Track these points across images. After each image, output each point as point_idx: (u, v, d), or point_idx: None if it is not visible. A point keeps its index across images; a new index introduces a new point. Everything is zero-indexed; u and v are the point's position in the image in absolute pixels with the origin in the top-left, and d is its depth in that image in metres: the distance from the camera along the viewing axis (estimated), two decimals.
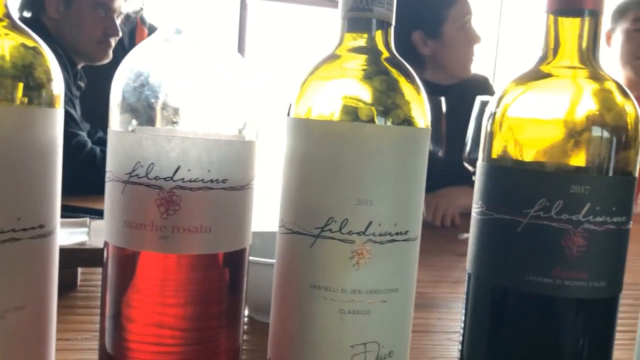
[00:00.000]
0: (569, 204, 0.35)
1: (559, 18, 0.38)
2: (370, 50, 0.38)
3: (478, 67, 1.51)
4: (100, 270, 0.51)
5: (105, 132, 0.50)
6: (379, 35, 0.38)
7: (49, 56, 0.33)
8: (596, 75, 0.38)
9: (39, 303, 0.33)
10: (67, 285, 0.63)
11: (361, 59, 0.38)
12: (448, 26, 1.39)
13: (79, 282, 0.64)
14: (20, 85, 0.31)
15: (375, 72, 0.38)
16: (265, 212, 0.67)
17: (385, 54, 0.38)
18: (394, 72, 0.38)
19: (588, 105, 0.38)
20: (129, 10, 1.57)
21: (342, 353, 0.36)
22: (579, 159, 0.37)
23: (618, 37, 1.65)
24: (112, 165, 0.36)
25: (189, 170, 0.35)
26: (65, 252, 0.63)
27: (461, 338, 0.41)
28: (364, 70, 0.38)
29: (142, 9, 1.70)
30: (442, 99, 1.13)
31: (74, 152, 1.28)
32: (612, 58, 1.70)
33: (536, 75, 0.39)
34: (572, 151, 0.37)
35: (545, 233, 0.36)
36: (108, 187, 0.37)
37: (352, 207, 0.35)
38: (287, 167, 0.38)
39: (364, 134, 0.35)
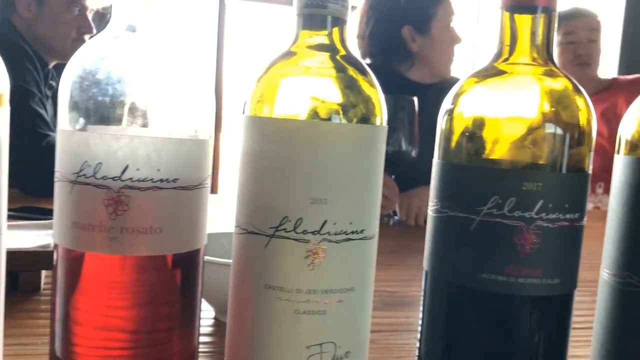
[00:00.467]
0: (521, 201, 0.35)
1: (513, 15, 0.38)
2: (327, 48, 0.38)
3: (458, 68, 1.53)
4: None
5: None
6: (335, 33, 0.38)
7: None
8: (550, 72, 0.38)
9: None
10: (30, 288, 0.62)
11: (317, 57, 0.38)
12: (436, 24, 1.41)
13: (42, 286, 0.63)
14: None
15: (331, 69, 0.38)
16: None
17: (342, 52, 0.38)
18: (351, 70, 0.38)
19: (542, 102, 0.38)
20: (99, 7, 1.55)
21: (298, 354, 0.36)
22: (532, 156, 0.37)
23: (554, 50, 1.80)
24: (60, 165, 0.35)
25: (138, 169, 0.34)
26: (27, 255, 0.62)
27: (419, 336, 0.41)
28: (319, 67, 0.38)
29: (112, 5, 1.68)
30: (415, 99, 1.13)
31: (45, 154, 1.25)
32: None
33: (491, 72, 0.39)
34: (525, 148, 0.37)
35: (498, 230, 0.36)
36: (56, 187, 0.36)
37: (306, 206, 0.35)
38: (242, 166, 0.37)
39: (318, 132, 0.35)
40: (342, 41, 0.38)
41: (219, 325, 0.56)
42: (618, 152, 0.39)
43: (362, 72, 0.38)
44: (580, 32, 1.81)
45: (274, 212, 0.35)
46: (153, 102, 0.35)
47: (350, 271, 0.36)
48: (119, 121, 0.35)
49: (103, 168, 0.34)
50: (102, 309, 0.35)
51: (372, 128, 0.37)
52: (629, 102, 0.52)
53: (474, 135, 0.38)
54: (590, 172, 0.38)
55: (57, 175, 0.36)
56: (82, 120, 0.35)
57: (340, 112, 0.36)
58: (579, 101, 0.38)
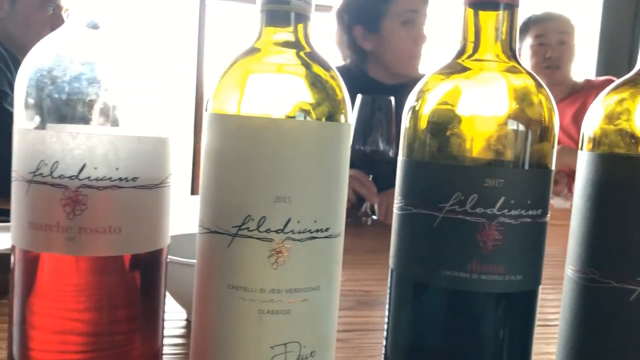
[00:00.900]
0: (483, 197, 0.35)
1: (477, 11, 0.38)
2: (292, 45, 0.37)
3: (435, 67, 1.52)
4: None
5: None
6: (300, 30, 0.38)
7: None
8: (513, 69, 0.38)
9: None
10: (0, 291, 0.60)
11: (282, 54, 0.37)
12: (388, 21, 1.40)
13: None
14: None
15: (296, 66, 0.37)
16: None
17: (307, 49, 0.38)
18: (315, 67, 0.37)
19: (504, 99, 0.38)
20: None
21: (262, 354, 0.35)
22: (494, 153, 0.37)
23: (525, 52, 1.87)
24: (17, 165, 0.35)
25: (96, 168, 0.33)
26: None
27: (385, 334, 0.41)
28: (284, 64, 0.37)
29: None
30: (392, 99, 1.13)
31: None
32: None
33: (454, 68, 0.39)
34: (487, 144, 0.37)
35: (461, 227, 0.36)
36: (13, 187, 0.35)
37: (269, 204, 0.35)
38: (204, 164, 0.37)
39: (280, 130, 0.35)
40: (307, 38, 0.38)
41: (190, 326, 0.56)
42: (581, 149, 0.39)
43: (327, 69, 0.37)
44: (550, 34, 1.82)
45: (236, 211, 0.35)
46: (111, 99, 0.35)
47: (315, 270, 0.36)
48: (76, 119, 0.34)
49: (60, 167, 0.33)
50: (59, 312, 0.34)
51: (336, 125, 0.37)
52: None
53: (437, 132, 0.38)
54: (553, 168, 0.38)
55: (14, 174, 0.35)
56: (37, 118, 0.34)
57: (304, 109, 0.36)
58: (541, 97, 0.38)
